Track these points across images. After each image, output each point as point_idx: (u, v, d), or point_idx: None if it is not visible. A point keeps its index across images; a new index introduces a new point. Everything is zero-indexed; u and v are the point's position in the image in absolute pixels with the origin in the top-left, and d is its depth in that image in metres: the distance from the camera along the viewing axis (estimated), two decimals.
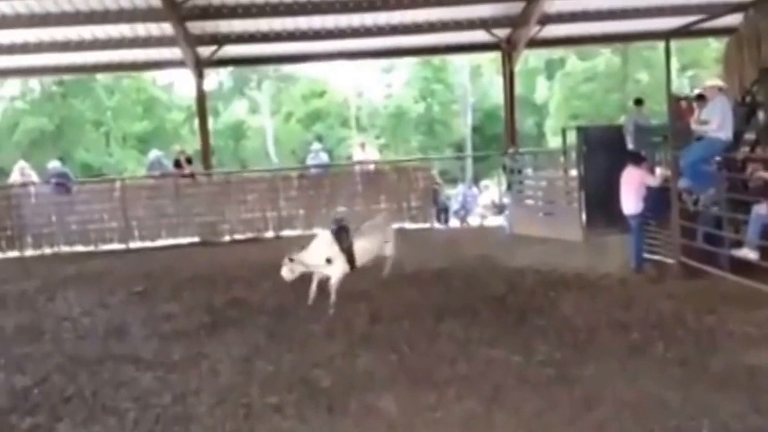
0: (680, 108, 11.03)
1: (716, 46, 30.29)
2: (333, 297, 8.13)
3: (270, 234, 16.00)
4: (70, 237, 15.65)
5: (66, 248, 15.47)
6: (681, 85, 30.09)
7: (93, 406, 5.70)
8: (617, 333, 6.92)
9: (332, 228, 8.66)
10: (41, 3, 15.19)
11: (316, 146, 18.94)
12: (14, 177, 16.82)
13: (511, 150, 16.40)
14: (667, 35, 10.04)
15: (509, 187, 15.17)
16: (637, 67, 39.07)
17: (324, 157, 18.49)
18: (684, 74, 35.71)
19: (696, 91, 11.87)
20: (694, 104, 10.66)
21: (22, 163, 17.39)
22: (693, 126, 9.56)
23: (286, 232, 15.99)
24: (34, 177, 16.89)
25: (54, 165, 16.75)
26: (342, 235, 8.50)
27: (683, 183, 9.59)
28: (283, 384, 5.91)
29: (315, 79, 43.74)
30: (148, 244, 15.67)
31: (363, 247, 8.60)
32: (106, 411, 5.56)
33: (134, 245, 15.63)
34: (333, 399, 5.53)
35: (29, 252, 15.44)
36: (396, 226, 8.72)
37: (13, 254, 15.37)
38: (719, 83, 9.87)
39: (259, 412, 5.38)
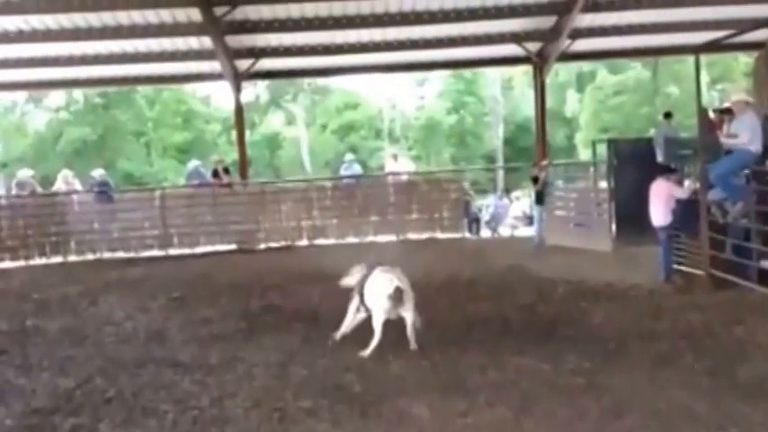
0: (711, 121, 11.04)
1: (745, 60, 30.02)
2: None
3: (304, 242, 16.18)
4: (112, 243, 15.98)
5: (107, 255, 15.76)
6: (710, 99, 29.82)
7: (133, 408, 5.74)
8: (646, 343, 6.90)
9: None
10: (86, 17, 15.49)
11: (349, 157, 19.07)
12: (59, 185, 17.19)
13: (544, 162, 16.47)
14: (697, 50, 10.09)
15: (537, 199, 15.21)
16: (667, 80, 38.77)
17: (357, 168, 18.60)
18: (714, 87, 35.37)
19: (724, 104, 11.88)
20: (725, 117, 10.68)
21: (65, 172, 17.72)
22: (723, 140, 9.59)
23: (319, 241, 16.17)
24: (77, 186, 17.26)
25: (100, 173, 17.14)
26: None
27: (713, 195, 9.61)
28: (317, 389, 5.93)
29: (349, 92, 43.90)
30: (187, 251, 15.93)
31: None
32: (146, 413, 5.61)
33: (173, 252, 15.91)
34: (366, 404, 5.55)
35: (72, 258, 15.71)
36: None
37: (57, 259, 15.66)
38: (746, 97, 9.88)
39: (293, 416, 5.40)
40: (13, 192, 17.10)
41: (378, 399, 5.65)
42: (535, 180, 15.29)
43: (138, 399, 5.96)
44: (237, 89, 18.05)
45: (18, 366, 7.08)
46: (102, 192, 16.51)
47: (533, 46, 17.69)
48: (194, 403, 5.79)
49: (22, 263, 15.47)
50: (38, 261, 15.62)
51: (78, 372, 6.80)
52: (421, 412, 5.35)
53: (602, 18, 16.68)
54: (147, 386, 6.28)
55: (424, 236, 16.05)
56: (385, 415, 5.35)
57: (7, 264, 15.42)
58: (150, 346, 7.71)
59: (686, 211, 9.96)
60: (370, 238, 16.16)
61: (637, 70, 39.33)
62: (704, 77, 27.24)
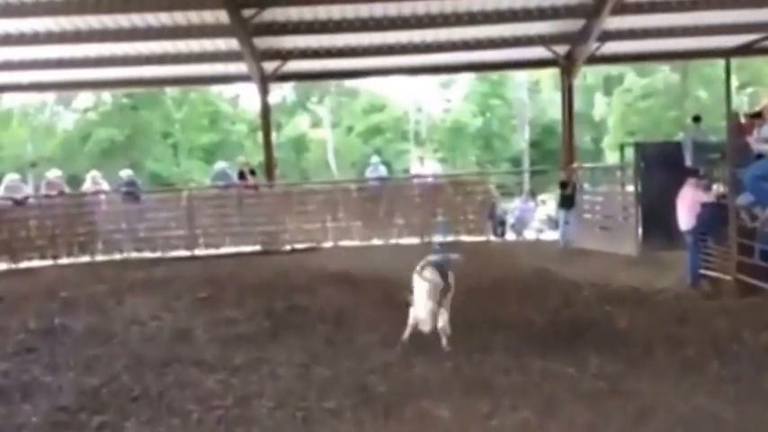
0: (741, 125, 10.94)
1: None
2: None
3: (329, 244, 16.21)
4: (138, 243, 16.12)
5: (134, 254, 15.89)
6: (740, 103, 29.50)
7: (158, 406, 5.82)
8: (671, 348, 6.87)
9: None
10: (114, 18, 15.62)
11: (374, 159, 19.10)
12: (87, 186, 17.34)
13: (575, 165, 16.44)
14: (728, 53, 10.00)
15: (562, 202, 15.15)
16: (696, 83, 38.40)
17: (382, 170, 18.61)
18: (744, 91, 34.97)
19: (755, 109, 11.75)
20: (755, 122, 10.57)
21: (93, 172, 17.84)
22: (753, 144, 9.49)
23: (344, 243, 16.22)
24: (105, 186, 17.42)
25: (127, 173, 17.34)
26: None
27: (742, 199, 9.49)
28: (341, 390, 5.98)
29: (375, 94, 43.96)
30: (213, 251, 16.02)
31: None
32: (171, 412, 5.68)
33: (199, 252, 16.00)
34: (389, 405, 5.58)
35: (99, 257, 15.85)
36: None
37: (85, 259, 15.78)
38: None
39: (317, 416, 5.45)
40: (42, 192, 17.30)
41: (401, 400, 5.68)
42: (564, 184, 15.20)
43: (163, 397, 6.04)
44: (264, 91, 18.10)
45: (45, 364, 7.18)
46: (130, 192, 16.67)
47: (561, 49, 17.57)
48: (219, 403, 5.84)
49: (50, 262, 15.62)
50: (65, 260, 15.74)
51: (104, 370, 6.88)
52: (444, 414, 5.37)
53: (630, 21, 16.52)
54: (173, 385, 6.36)
55: (449, 238, 16.03)
56: (408, 416, 5.38)
57: (35, 263, 15.58)
58: (176, 345, 7.78)
59: (713, 216, 9.88)
60: (395, 241, 16.18)
61: (665, 73, 38.95)
62: (734, 81, 26.95)
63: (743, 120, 11.34)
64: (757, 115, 10.16)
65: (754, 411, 5.21)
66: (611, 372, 6.24)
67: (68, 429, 5.44)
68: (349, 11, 16.00)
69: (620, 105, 39.14)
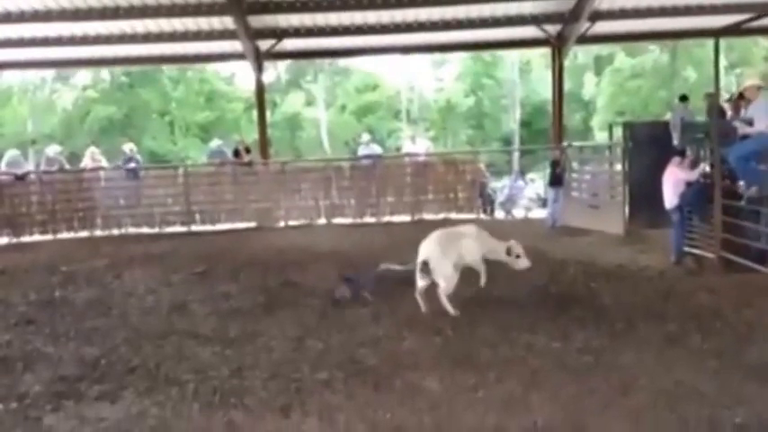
0: (721, 108, 10.99)
1: (765, 44, 29.68)
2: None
3: (322, 221, 16.36)
4: (137, 219, 16.31)
5: (132, 230, 16.09)
6: (728, 83, 29.56)
7: (156, 377, 5.95)
8: (654, 324, 6.96)
9: None
10: None
11: (366, 137, 19.17)
12: (86, 162, 17.48)
13: (566, 144, 16.55)
14: (717, 33, 10.03)
15: (552, 181, 15.26)
16: (685, 64, 38.41)
17: (375, 149, 18.70)
18: (732, 71, 35.03)
19: (732, 92, 11.79)
20: (741, 103, 10.65)
21: (92, 149, 18.02)
22: (737, 125, 9.58)
23: (337, 220, 16.35)
24: (104, 162, 17.54)
25: (130, 147, 17.51)
26: None
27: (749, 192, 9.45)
28: (333, 362, 6.10)
29: (368, 73, 43.88)
30: (209, 227, 16.20)
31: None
32: (168, 382, 5.81)
33: (195, 228, 16.17)
34: (379, 377, 5.70)
35: (98, 232, 16.06)
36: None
37: (84, 234, 15.98)
38: (759, 82, 9.82)
39: (309, 387, 5.57)
40: (42, 168, 17.41)
41: (391, 372, 5.81)
42: (556, 163, 15.28)
43: (160, 368, 6.18)
44: (259, 69, 18.09)
45: (46, 336, 7.35)
46: (130, 168, 16.84)
47: (552, 28, 17.57)
48: (214, 374, 5.98)
49: (50, 237, 15.78)
50: (65, 235, 15.92)
51: (104, 342, 7.04)
52: (432, 386, 5.50)
53: (621, 0, 16.57)
54: (170, 356, 6.51)
55: (440, 216, 16.17)
56: (397, 388, 5.51)
57: (36, 237, 15.77)
58: (173, 318, 7.95)
59: (696, 194, 10.01)
60: (387, 218, 16.33)
61: (655, 54, 39.00)
62: (722, 61, 26.99)
63: (723, 103, 11.38)
64: (740, 96, 10.21)
65: (734, 385, 5.31)
66: (595, 346, 6.35)
67: (69, 398, 5.55)
68: None
69: (610, 85, 39.20)
